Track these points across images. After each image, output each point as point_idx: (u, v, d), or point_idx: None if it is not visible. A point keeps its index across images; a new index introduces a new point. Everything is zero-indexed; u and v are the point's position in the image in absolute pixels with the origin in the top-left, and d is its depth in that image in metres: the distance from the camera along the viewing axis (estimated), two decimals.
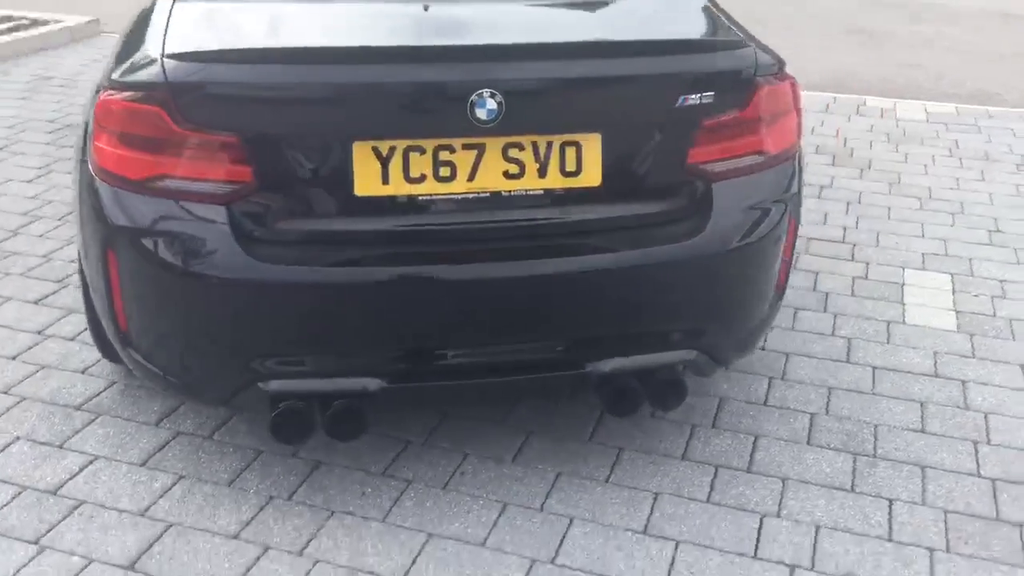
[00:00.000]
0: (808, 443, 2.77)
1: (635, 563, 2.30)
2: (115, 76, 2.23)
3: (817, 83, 6.73)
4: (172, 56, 2.16)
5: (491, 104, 2.15)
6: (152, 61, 2.18)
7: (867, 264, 3.88)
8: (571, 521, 2.43)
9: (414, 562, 2.28)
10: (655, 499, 2.52)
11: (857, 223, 4.28)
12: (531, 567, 2.27)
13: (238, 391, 2.30)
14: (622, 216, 2.36)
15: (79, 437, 2.67)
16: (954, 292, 3.67)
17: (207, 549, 2.30)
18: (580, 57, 2.30)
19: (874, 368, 3.15)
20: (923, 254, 3.99)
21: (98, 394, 2.88)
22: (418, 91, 2.20)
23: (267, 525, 2.38)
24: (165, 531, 2.35)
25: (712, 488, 2.57)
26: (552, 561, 2.30)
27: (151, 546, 2.30)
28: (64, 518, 2.37)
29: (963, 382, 3.08)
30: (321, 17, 2.47)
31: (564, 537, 2.37)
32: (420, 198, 2.23)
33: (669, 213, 2.39)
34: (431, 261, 2.25)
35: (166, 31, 2.30)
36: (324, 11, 2.50)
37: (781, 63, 2.52)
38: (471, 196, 2.25)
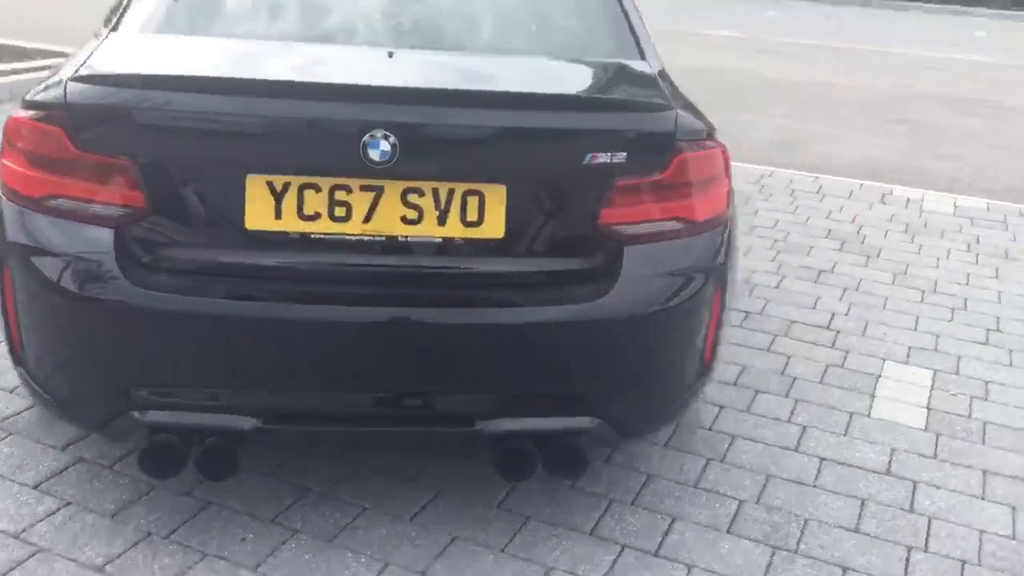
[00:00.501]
0: (728, 531, 2.60)
1: None
2: (27, 96, 2.24)
3: (847, 169, 6.60)
4: (75, 79, 2.17)
5: (384, 146, 2.10)
6: (58, 83, 2.19)
7: (846, 352, 3.71)
8: None
9: None
10: (545, 574, 2.39)
11: (848, 310, 4.11)
12: None
13: (112, 418, 2.25)
14: (524, 272, 2.27)
15: None
16: (932, 389, 3.48)
17: None
18: (483, 106, 2.24)
19: (822, 460, 2.97)
20: (910, 347, 3.80)
21: (18, 413, 2.87)
22: (312, 128, 2.16)
23: (135, 562, 2.30)
24: (32, 555, 2.30)
25: (612, 568, 2.42)
26: None
27: (12, 569, 2.25)
28: None
29: (914, 483, 2.89)
30: (236, 51, 2.47)
31: None
32: (313, 236, 2.18)
33: (575, 273, 2.29)
34: (318, 301, 2.19)
35: (87, 58, 2.32)
36: (242, 46, 2.50)
37: (709, 129, 2.43)
38: (366, 239, 2.19)
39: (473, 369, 2.27)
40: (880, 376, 3.54)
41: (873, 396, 3.39)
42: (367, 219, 2.18)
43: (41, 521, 2.42)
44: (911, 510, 2.76)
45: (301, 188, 2.15)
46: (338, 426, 2.30)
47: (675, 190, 2.34)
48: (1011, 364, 3.72)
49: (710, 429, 3.09)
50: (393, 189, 2.17)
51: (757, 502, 2.74)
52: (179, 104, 2.14)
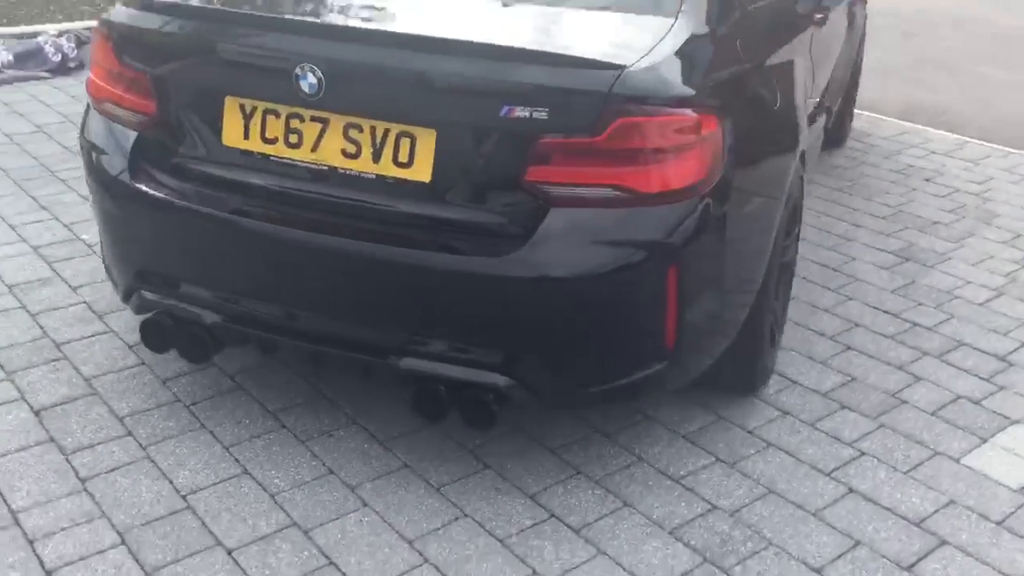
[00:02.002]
0: (671, 532, 2.42)
1: None
2: (103, 16, 2.69)
3: None
4: (124, 2, 2.58)
5: (311, 79, 2.25)
6: (115, 4, 2.62)
7: (999, 388, 3.12)
8: None
9: None
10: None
11: None
12: None
13: (130, 294, 2.67)
14: (445, 218, 2.29)
15: None
16: None
17: None
18: (410, 48, 2.28)
19: (849, 489, 2.61)
20: None
21: None
22: (264, 58, 2.36)
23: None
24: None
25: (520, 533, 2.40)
26: None
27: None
28: None
29: (943, 542, 2.44)
30: None
31: None
32: (271, 157, 2.40)
33: (494, 226, 2.26)
34: (266, 219, 2.41)
35: None
36: None
37: (685, 94, 2.24)
38: (312, 166, 2.36)
39: (385, 303, 2.36)
40: (1016, 422, 2.96)
41: (983, 441, 2.85)
42: (314, 148, 2.35)
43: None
44: (907, 569, 2.35)
45: (264, 113, 2.37)
46: (276, 335, 2.51)
47: (613, 156, 2.20)
48: None
49: (750, 432, 2.84)
50: (337, 122, 2.31)
51: (731, 514, 2.50)
52: (181, 28, 2.46)
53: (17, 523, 2.35)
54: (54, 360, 2.98)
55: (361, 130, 2.30)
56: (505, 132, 2.21)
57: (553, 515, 2.47)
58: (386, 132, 2.28)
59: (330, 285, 2.40)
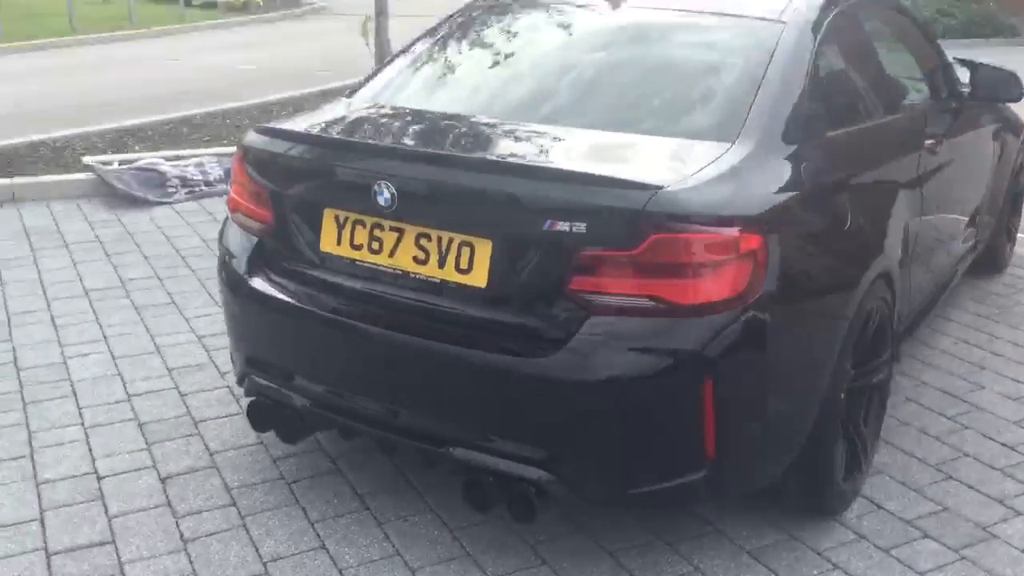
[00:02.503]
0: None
1: None
2: (240, 140, 3.13)
3: None
4: (255, 129, 3.01)
5: (386, 194, 2.55)
6: (248, 132, 3.06)
7: None
8: None
9: None
10: None
11: None
12: None
13: (243, 378, 3.03)
14: (497, 320, 2.50)
15: None
16: None
17: None
18: (472, 169, 2.54)
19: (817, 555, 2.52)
20: None
21: None
22: (350, 175, 2.70)
23: None
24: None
25: None
26: None
27: None
28: None
29: None
30: (361, 116, 3.11)
31: None
32: (357, 262, 2.71)
33: (539, 329, 2.45)
34: (352, 316, 2.70)
35: (295, 115, 3.16)
36: (371, 114, 3.14)
37: (724, 214, 2.38)
38: (390, 270, 2.65)
39: (442, 396, 2.58)
40: None
41: None
42: (391, 254, 2.64)
43: None
44: None
45: (354, 223, 2.70)
46: (353, 421, 2.77)
47: (649, 268, 2.35)
48: None
49: (819, 554, 2.80)
50: (411, 232, 2.60)
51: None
52: (293, 151, 2.86)
53: (123, 573, 2.69)
54: (189, 435, 3.38)
55: (430, 239, 2.58)
56: (550, 244, 2.42)
57: None
58: (450, 241, 2.55)
59: (398, 378, 2.65)
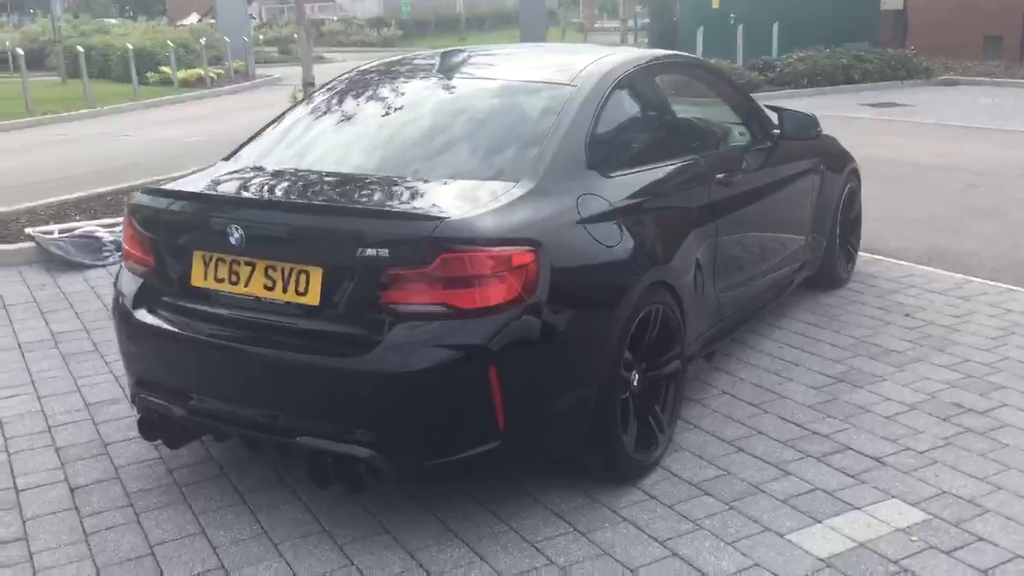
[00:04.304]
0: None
1: None
2: (128, 200, 3.75)
3: None
4: (141, 190, 3.64)
5: (236, 235, 3.18)
6: (136, 192, 3.69)
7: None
8: None
9: None
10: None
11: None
12: None
13: (133, 397, 3.61)
14: (327, 331, 3.12)
15: None
16: (895, 533, 3.22)
17: None
18: (298, 211, 3.21)
19: (672, 553, 3.12)
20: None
21: None
22: (210, 221, 3.32)
23: None
24: None
25: None
26: None
27: None
28: None
29: None
30: (228, 176, 3.73)
31: None
32: (221, 293, 3.33)
33: (360, 336, 3.06)
34: (217, 337, 3.30)
35: (175, 177, 3.79)
36: (235, 174, 3.76)
37: (491, 237, 3.01)
38: (246, 297, 3.27)
39: (291, 396, 3.18)
40: (857, 509, 3.37)
41: (816, 522, 3.28)
42: (247, 284, 3.26)
43: None
44: None
45: (217, 260, 3.32)
46: (223, 424, 3.36)
47: (441, 282, 2.99)
48: None
49: (614, 511, 3.40)
50: (260, 265, 3.23)
51: (562, 568, 3.07)
52: (168, 206, 3.48)
53: (32, 560, 3.23)
54: (98, 455, 3.94)
55: (275, 269, 3.20)
56: (364, 267, 3.05)
57: (421, 565, 3.12)
58: (291, 270, 3.17)
59: (254, 383, 3.25)
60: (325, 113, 4.12)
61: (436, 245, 2.98)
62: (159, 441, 3.66)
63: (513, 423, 3.09)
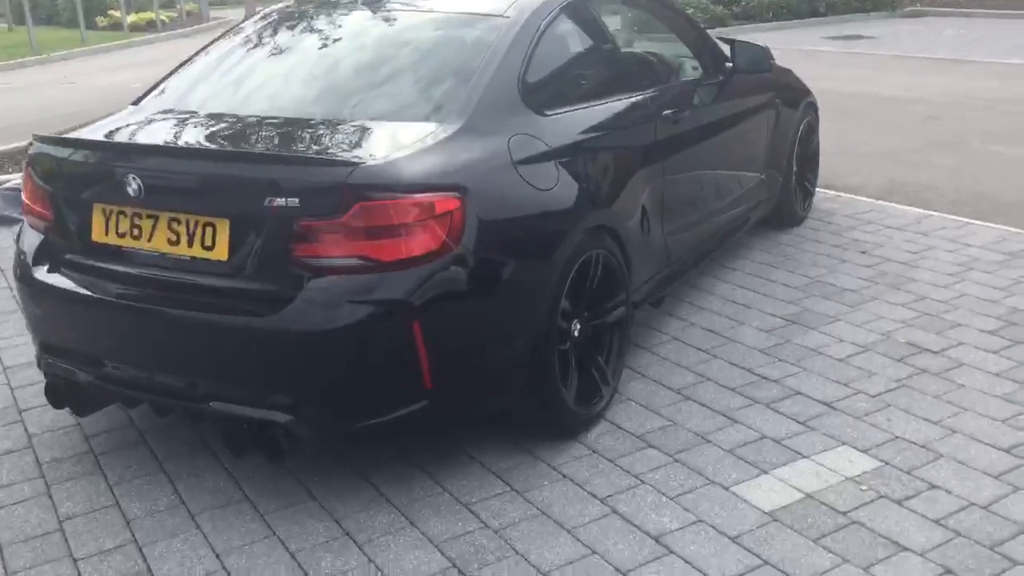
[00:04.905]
0: (436, 546, 2.86)
1: None
2: (28, 150, 3.48)
3: None
4: (38, 138, 3.36)
5: (134, 185, 2.93)
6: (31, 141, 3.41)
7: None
8: None
9: None
10: None
11: None
12: None
13: (39, 361, 3.38)
14: (238, 288, 2.89)
15: None
16: (844, 482, 3.09)
17: None
18: (202, 158, 2.95)
19: (612, 510, 2.97)
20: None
21: None
22: (108, 172, 3.06)
23: None
24: None
25: None
26: None
27: None
28: None
29: (669, 551, 2.76)
30: (128, 122, 3.46)
31: None
32: (123, 248, 3.08)
33: (273, 293, 2.83)
34: (121, 296, 3.07)
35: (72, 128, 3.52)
36: (136, 119, 3.50)
37: (413, 183, 2.78)
38: (150, 253, 3.03)
39: (200, 358, 2.96)
40: (805, 457, 3.22)
41: (763, 473, 3.13)
42: (150, 239, 3.02)
43: None
44: (623, 572, 2.70)
45: (117, 214, 3.07)
46: (131, 390, 3.14)
47: (357, 232, 2.76)
48: None
49: (554, 468, 3.23)
50: (163, 218, 2.98)
51: (496, 531, 2.91)
52: (66, 156, 3.22)
53: None
54: (12, 423, 3.72)
55: (179, 222, 2.96)
56: (274, 219, 2.81)
57: (347, 533, 2.95)
58: (196, 223, 2.93)
59: (162, 346, 3.03)
60: (240, 54, 3.84)
61: (351, 192, 2.75)
62: (67, 409, 3.43)
63: (441, 381, 2.89)
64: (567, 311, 3.29)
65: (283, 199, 2.77)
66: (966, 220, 5.68)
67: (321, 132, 3.16)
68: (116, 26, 22.46)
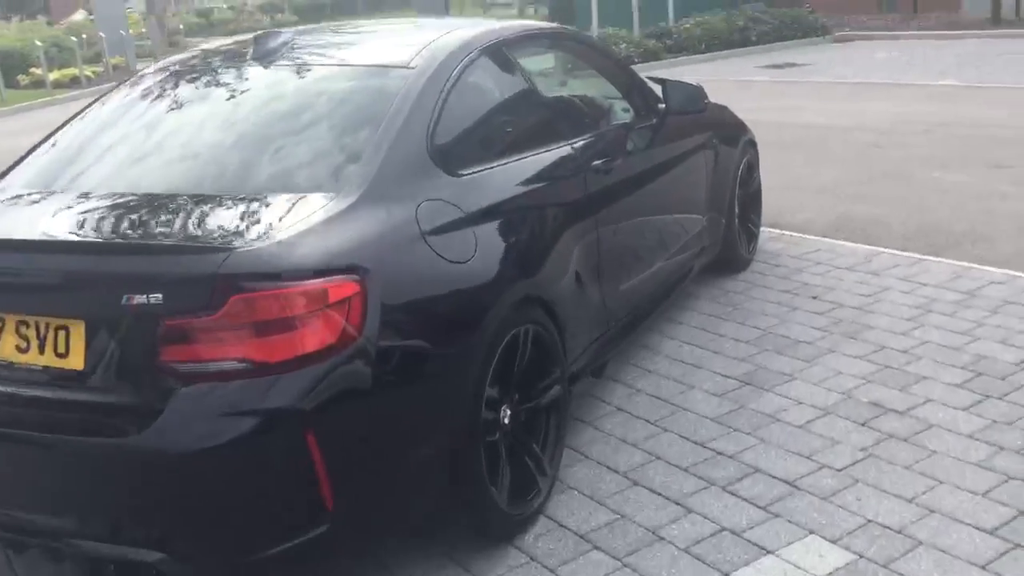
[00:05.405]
0: None
1: None
2: None
3: None
4: None
5: None
6: None
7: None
8: None
9: None
10: None
11: None
12: None
13: None
14: (95, 402, 2.45)
15: None
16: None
17: None
18: (50, 251, 2.51)
19: None
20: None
21: None
22: None
23: None
24: None
25: None
26: None
27: None
28: None
29: None
30: None
31: None
32: None
33: (136, 406, 2.40)
34: None
35: None
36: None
37: (297, 269, 2.38)
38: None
39: (58, 489, 2.51)
40: (769, 553, 2.85)
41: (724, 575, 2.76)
42: None
43: None
44: None
45: None
46: None
47: (235, 330, 2.34)
48: None
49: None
50: (11, 321, 2.54)
51: None
52: None
53: None
54: None
55: (28, 326, 2.51)
56: (135, 318, 2.38)
57: None
58: (47, 326, 2.49)
59: (14, 473, 2.57)
60: (116, 118, 3.41)
61: (225, 284, 2.33)
62: None
63: (345, 499, 2.47)
64: (493, 399, 2.89)
65: (144, 295, 2.34)
66: (918, 256, 5.41)
67: (196, 211, 2.74)
68: (39, 83, 21.75)
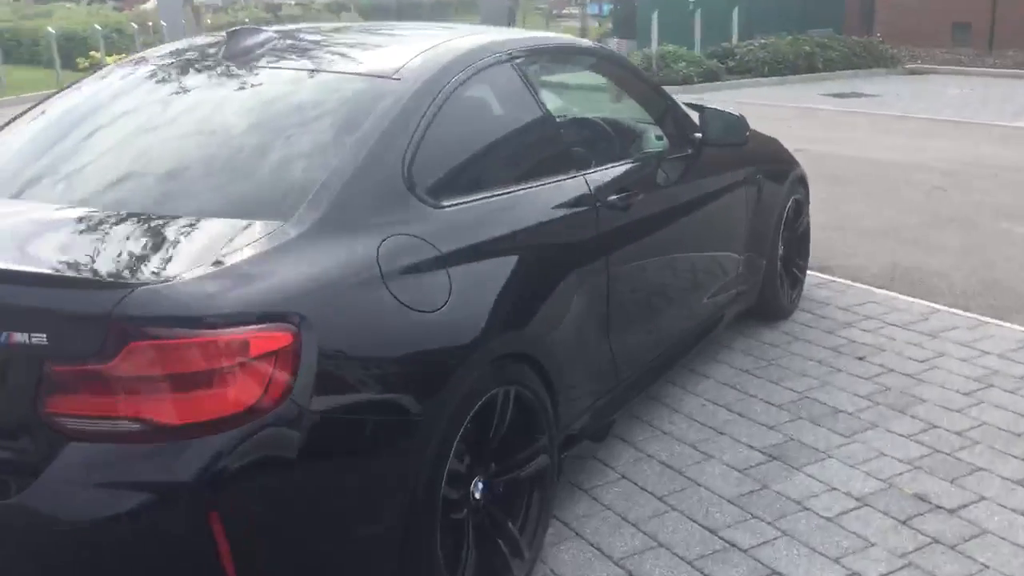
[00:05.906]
0: None
1: None
2: None
3: None
4: None
5: None
6: None
7: None
8: None
9: None
10: None
11: None
12: None
13: None
14: None
15: None
16: None
17: None
18: None
19: None
20: None
21: None
22: None
23: None
24: None
25: None
26: None
27: None
28: None
29: None
30: None
31: None
32: None
33: (14, 464, 1.99)
34: None
35: None
36: None
37: (214, 315, 1.95)
38: None
39: None
40: None
41: None
42: None
43: None
44: None
45: None
46: None
47: (131, 383, 1.93)
48: None
49: None
50: None
51: None
52: None
53: None
54: None
55: None
56: (16, 360, 1.98)
57: None
58: None
59: None
60: (48, 123, 2.98)
61: (119, 328, 1.92)
62: None
63: None
64: (458, 473, 2.44)
65: (25, 334, 1.93)
66: (980, 318, 4.85)
67: (105, 234, 2.31)
68: (97, 67, 21.82)
